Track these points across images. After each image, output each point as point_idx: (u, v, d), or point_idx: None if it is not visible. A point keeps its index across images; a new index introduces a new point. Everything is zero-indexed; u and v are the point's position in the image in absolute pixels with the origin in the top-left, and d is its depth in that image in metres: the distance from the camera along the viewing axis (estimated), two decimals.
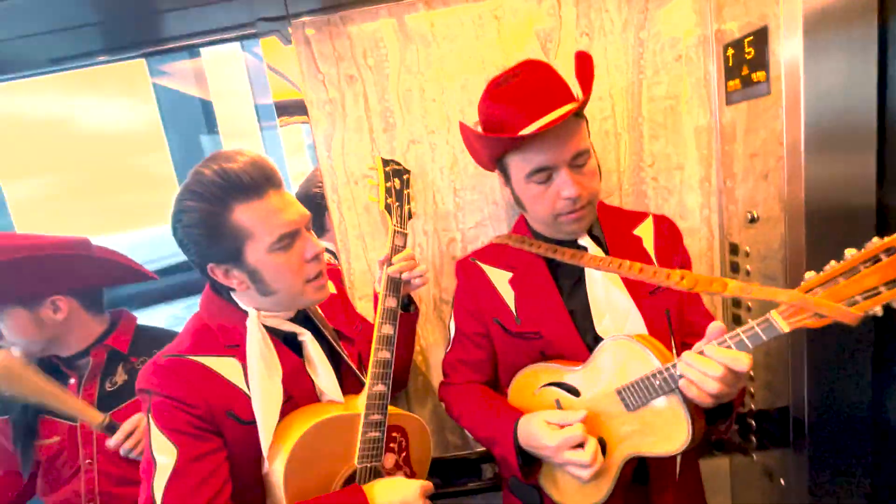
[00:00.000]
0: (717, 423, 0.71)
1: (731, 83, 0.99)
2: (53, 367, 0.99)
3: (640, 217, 0.92)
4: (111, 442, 0.89)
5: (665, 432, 0.68)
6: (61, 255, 0.92)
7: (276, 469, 0.68)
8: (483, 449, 1.21)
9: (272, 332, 0.74)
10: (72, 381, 0.98)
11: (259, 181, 0.66)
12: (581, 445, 0.69)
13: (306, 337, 0.76)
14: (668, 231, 0.90)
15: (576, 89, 0.79)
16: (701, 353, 0.62)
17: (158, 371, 0.66)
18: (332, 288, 0.95)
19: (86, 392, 0.97)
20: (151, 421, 0.64)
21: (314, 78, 1.07)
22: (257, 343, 0.69)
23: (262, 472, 0.71)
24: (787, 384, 0.99)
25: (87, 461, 0.95)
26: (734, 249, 1.08)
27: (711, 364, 0.59)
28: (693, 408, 0.65)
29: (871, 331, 0.89)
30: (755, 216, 0.99)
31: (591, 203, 0.80)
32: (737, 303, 1.11)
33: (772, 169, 0.95)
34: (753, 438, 1.13)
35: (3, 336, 0.92)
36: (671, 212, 1.11)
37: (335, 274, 1.11)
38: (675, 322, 0.83)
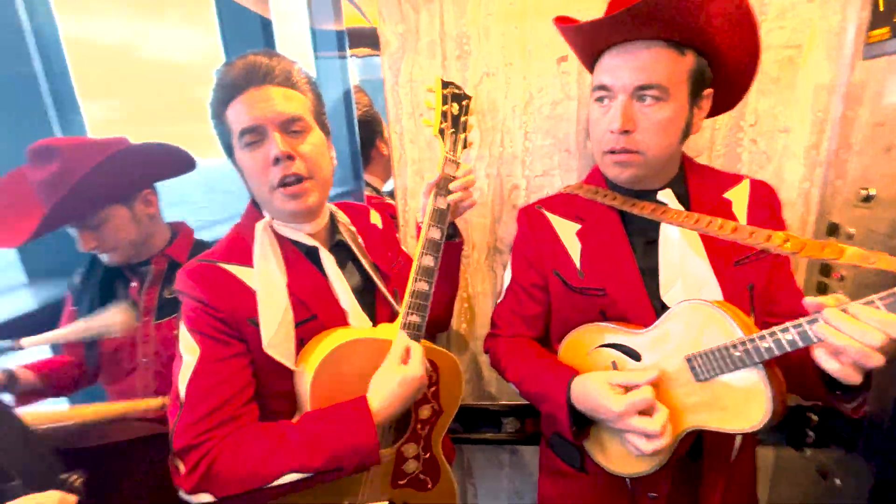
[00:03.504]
0: (840, 400, 0.61)
1: (874, 32, 0.84)
2: (118, 272, 1.03)
3: (734, 180, 0.81)
4: None
5: (738, 408, 0.62)
6: (131, 151, 0.94)
7: (303, 383, 0.69)
8: (505, 402, 1.20)
9: (295, 244, 0.75)
10: (133, 284, 1.02)
11: (244, 78, 0.66)
12: (648, 413, 0.64)
13: (322, 252, 0.75)
14: (766, 199, 0.79)
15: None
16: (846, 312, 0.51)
17: (189, 273, 0.69)
18: (376, 219, 0.92)
19: (147, 297, 1.02)
20: (182, 319, 0.68)
21: None
22: (259, 243, 0.71)
23: (291, 382, 0.72)
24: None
25: (144, 360, 1.00)
26: (833, 230, 0.96)
27: (870, 330, 0.48)
28: (776, 385, 0.59)
29: None
30: (870, 194, 0.86)
31: (646, 154, 0.70)
32: (822, 287, 1.00)
33: None
34: (811, 433, 1.06)
35: (99, 245, 0.95)
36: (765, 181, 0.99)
37: (384, 208, 1.08)
38: (758, 299, 0.75)
